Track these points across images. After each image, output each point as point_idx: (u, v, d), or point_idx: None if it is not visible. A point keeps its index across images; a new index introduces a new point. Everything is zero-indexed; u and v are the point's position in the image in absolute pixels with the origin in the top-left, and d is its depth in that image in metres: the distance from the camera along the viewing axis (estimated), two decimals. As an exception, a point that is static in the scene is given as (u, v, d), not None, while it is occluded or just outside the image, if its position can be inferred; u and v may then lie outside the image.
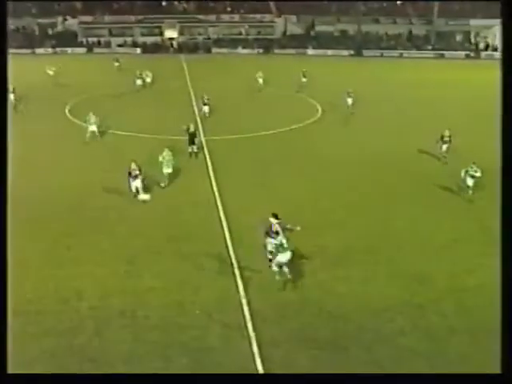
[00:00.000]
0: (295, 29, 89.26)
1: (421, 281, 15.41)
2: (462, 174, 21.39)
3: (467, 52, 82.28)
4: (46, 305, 14.13)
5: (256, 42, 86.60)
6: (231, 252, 16.86)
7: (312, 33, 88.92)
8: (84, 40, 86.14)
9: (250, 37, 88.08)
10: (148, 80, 49.13)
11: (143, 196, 20.73)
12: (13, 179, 17.24)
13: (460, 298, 14.55)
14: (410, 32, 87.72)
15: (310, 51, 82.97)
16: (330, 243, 17.64)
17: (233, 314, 13.68)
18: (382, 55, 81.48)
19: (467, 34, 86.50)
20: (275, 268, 14.79)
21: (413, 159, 27.46)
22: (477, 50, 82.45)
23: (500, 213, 7.99)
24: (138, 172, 20.56)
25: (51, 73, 51.92)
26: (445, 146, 26.05)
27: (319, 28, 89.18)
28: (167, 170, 22.24)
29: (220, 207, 20.68)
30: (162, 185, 22.39)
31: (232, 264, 16.15)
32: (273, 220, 14.90)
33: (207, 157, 27.36)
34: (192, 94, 45.57)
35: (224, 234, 18.14)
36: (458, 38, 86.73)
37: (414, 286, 15.13)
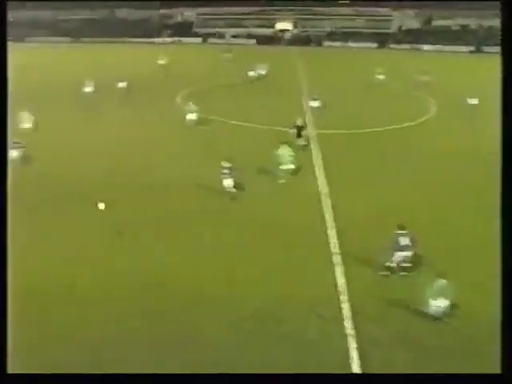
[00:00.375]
0: (412, 23, 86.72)
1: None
2: None
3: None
4: (127, 290, 14.60)
5: (370, 36, 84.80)
6: (336, 249, 16.94)
7: (429, 27, 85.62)
8: (199, 30, 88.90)
9: (364, 30, 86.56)
10: (262, 72, 49.60)
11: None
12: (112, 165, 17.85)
13: None
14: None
15: (426, 47, 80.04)
16: (438, 245, 17.07)
17: (333, 309, 13.72)
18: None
19: None
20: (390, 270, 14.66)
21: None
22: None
23: (500, 212, 7.92)
24: (227, 171, 20.28)
25: (162, 62, 53.91)
26: None
27: (437, 22, 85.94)
28: (287, 167, 21.93)
29: (326, 203, 20.70)
30: (281, 181, 22.14)
31: (336, 260, 16.23)
32: (400, 231, 14.78)
33: (316, 151, 27.24)
34: (303, 87, 45.59)
35: (330, 231, 18.21)
36: None
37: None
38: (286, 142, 23.12)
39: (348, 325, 13.09)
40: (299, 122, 27.97)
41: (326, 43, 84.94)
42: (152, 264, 15.91)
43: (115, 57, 66.59)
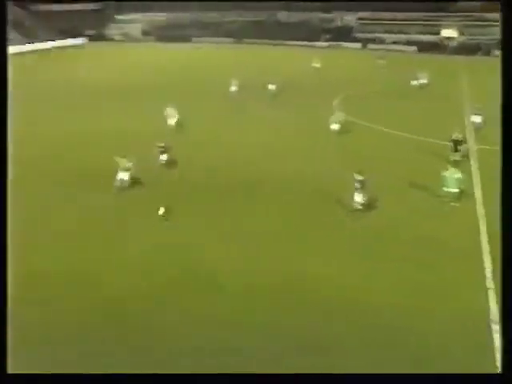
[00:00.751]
0: None
1: None
2: None
3: None
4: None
5: None
6: (488, 270, 16.10)
7: None
8: (359, 35, 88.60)
9: None
10: (423, 81, 48.22)
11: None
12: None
13: None
14: None
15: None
16: None
17: (480, 339, 13.03)
18: None
19: None
20: None
21: None
22: None
23: (500, 213, 7.91)
24: (359, 185, 19.44)
25: (317, 66, 54.60)
26: None
27: None
28: (452, 190, 20.97)
29: (483, 223, 19.63)
30: (450, 203, 21.02)
31: (487, 285, 15.42)
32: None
33: (475, 168, 25.88)
34: (465, 99, 43.61)
35: (483, 248, 17.30)
36: None
37: None
38: (454, 164, 22.04)
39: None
40: (457, 136, 26.71)
41: (496, 53, 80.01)
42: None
43: (271, 58, 68.54)
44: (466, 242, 18.00)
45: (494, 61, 74.73)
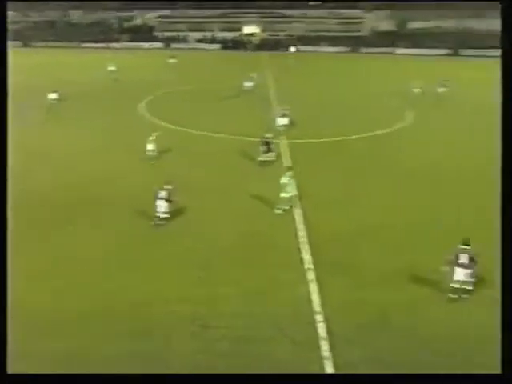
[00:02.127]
0: (386, 25, 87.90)
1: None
2: None
3: None
4: (117, 308, 14.40)
5: (342, 39, 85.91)
6: (309, 265, 16.76)
7: (404, 30, 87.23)
8: (160, 35, 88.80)
9: (336, 34, 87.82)
10: (251, 83, 47.94)
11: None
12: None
13: None
14: None
15: (400, 50, 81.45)
16: (418, 261, 17.06)
17: (307, 330, 13.53)
18: (483, 55, 77.66)
19: None
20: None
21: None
22: None
23: (500, 213, 8.33)
24: (164, 194, 19.33)
25: (113, 69, 53.90)
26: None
27: (413, 25, 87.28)
28: (288, 194, 21.07)
29: (299, 218, 20.50)
30: (277, 211, 21.08)
31: (308, 278, 16.05)
32: (464, 247, 14.72)
33: (286, 160, 26.92)
34: (272, 95, 45.64)
35: (303, 247, 18.03)
36: None
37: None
38: (289, 171, 22.03)
39: (324, 347, 12.81)
40: (267, 135, 27.54)
41: (298, 47, 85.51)
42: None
43: (60, 63, 66.12)
44: (286, 240, 18.62)
45: (296, 55, 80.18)
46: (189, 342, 13.10)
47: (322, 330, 13.50)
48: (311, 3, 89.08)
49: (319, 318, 14.04)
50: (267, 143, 26.88)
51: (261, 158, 26.60)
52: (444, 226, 19.59)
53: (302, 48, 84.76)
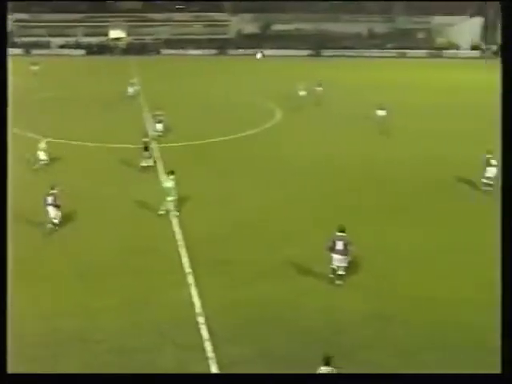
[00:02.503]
0: (251, 28, 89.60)
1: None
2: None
3: (430, 51, 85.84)
4: None
5: (209, 42, 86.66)
6: (188, 269, 16.94)
7: (268, 32, 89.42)
8: (19, 40, 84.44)
9: (202, 37, 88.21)
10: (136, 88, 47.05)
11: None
12: None
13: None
14: (371, 30, 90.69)
15: (266, 51, 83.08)
16: (295, 254, 17.72)
17: (190, 333, 13.72)
18: (342, 55, 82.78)
19: (429, 31, 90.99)
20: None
21: (378, 164, 27.92)
22: (439, 49, 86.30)
23: (500, 215, 8.62)
24: (50, 199, 19.24)
25: None
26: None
27: (276, 27, 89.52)
28: (169, 198, 20.92)
29: (175, 221, 20.63)
30: (161, 212, 21.09)
31: (188, 281, 16.21)
32: (340, 234, 15.36)
33: (165, 164, 26.74)
34: (142, 100, 44.94)
35: (181, 250, 18.18)
36: (421, 35, 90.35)
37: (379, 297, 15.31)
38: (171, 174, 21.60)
39: (208, 348, 13.05)
40: (145, 139, 27.80)
41: (165, 51, 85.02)
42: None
43: None
44: (166, 244, 18.76)
45: (164, 59, 79.59)
46: (71, 358, 12.79)
47: (204, 331, 13.74)
48: (178, 6, 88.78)
49: (201, 320, 14.28)
50: (146, 149, 26.87)
51: (142, 164, 26.47)
52: (319, 220, 20.33)
53: (169, 51, 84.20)
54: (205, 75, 58.44)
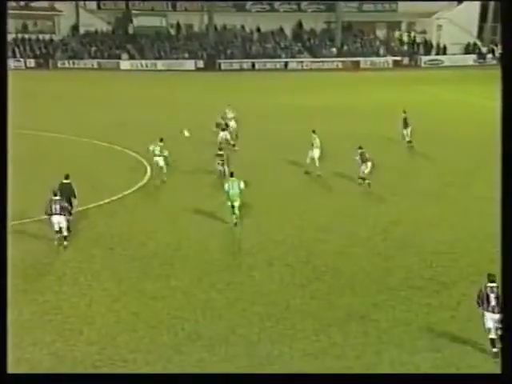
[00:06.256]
0: (97, 22, 60.31)
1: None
2: None
3: (397, 57, 63.71)
4: None
5: (22, 46, 58.66)
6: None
7: (128, 30, 61.35)
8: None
9: (9, 36, 55.55)
10: None
11: None
12: None
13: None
14: (300, 25, 65.43)
15: (125, 63, 57.81)
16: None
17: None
18: (252, 67, 60.45)
19: (395, 26, 68.55)
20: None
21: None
22: (413, 54, 65.21)
23: (500, 215, 9.00)
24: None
25: None
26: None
27: (139, 21, 60.99)
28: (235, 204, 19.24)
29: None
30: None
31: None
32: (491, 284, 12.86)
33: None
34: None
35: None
36: (380, 33, 67.58)
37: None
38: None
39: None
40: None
41: None
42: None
43: None
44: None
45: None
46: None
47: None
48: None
49: None
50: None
51: None
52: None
53: None
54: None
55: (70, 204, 17.10)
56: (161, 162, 22.20)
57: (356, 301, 13.98)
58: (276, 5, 64.77)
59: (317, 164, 23.50)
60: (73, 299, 13.82)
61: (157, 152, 22.13)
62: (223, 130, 26.32)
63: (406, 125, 27.44)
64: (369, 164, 22.45)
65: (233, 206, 18.68)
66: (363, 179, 22.82)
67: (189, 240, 19.05)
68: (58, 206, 16.84)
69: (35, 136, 30.20)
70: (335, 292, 14.20)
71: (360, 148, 22.37)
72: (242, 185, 18.65)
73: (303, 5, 65.77)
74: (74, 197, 17.18)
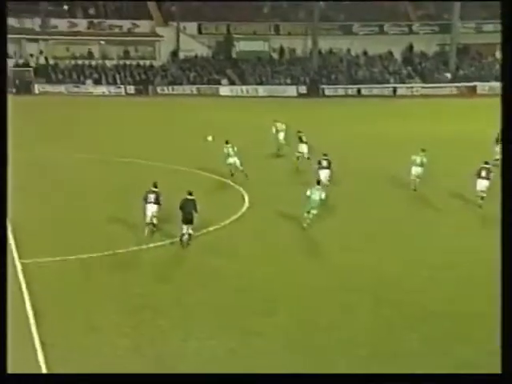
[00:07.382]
0: (197, 47, 57.40)
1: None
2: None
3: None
4: None
5: (122, 72, 55.22)
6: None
7: (229, 54, 58.21)
8: None
9: (109, 62, 53.82)
10: None
11: None
12: None
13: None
14: (411, 48, 60.56)
15: (225, 88, 55.01)
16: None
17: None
18: (358, 93, 56.78)
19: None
20: None
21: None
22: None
23: (500, 215, 9.57)
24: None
25: None
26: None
27: (240, 46, 58.09)
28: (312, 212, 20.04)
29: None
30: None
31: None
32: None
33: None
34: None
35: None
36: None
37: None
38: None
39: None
40: None
41: (39, 86, 54.64)
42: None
43: None
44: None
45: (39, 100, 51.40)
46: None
47: None
48: None
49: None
50: None
51: None
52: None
53: (49, 87, 53.57)
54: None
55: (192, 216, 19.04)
56: (237, 160, 23.79)
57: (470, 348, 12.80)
58: (385, 27, 60.16)
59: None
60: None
61: (231, 153, 23.92)
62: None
63: None
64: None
65: (308, 212, 19.12)
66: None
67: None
68: (152, 196, 18.41)
69: (138, 164, 28.52)
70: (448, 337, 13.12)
71: None
72: (323, 195, 19.25)
73: (415, 26, 60.81)
74: (196, 211, 18.42)
